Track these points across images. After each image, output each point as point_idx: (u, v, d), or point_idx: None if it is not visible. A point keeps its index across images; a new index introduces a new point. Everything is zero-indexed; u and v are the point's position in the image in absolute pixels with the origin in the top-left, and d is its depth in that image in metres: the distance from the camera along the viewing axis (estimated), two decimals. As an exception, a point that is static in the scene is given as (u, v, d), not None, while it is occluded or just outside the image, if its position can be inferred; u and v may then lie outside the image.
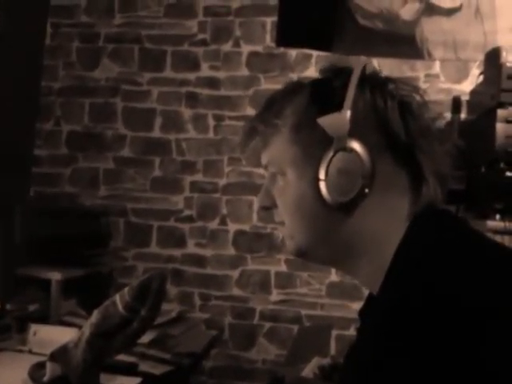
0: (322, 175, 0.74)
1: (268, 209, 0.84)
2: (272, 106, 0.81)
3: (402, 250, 0.71)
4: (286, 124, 0.78)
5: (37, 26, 2.79)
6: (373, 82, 0.76)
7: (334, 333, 2.54)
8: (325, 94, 0.76)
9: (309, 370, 1.66)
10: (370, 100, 0.75)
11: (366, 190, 0.73)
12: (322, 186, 0.74)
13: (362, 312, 0.80)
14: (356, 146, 0.73)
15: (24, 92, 2.69)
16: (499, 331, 0.60)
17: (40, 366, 1.29)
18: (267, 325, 2.65)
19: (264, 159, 0.83)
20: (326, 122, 0.74)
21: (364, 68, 0.77)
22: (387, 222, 0.74)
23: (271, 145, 0.81)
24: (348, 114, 0.73)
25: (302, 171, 0.77)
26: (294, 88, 0.81)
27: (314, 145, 0.75)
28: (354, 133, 0.73)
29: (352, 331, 2.48)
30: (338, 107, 0.74)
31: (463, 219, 0.79)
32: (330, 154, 0.74)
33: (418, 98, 0.77)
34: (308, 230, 0.78)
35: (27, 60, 2.70)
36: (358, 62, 0.77)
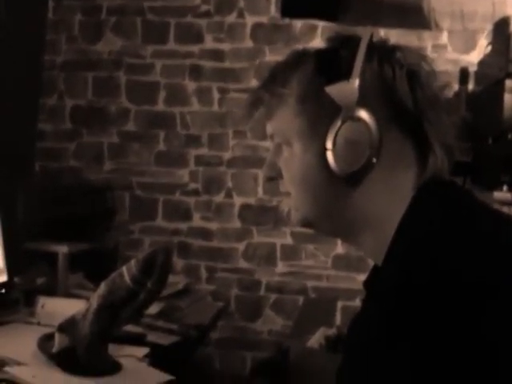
0: (329, 145, 0.73)
1: (273, 179, 0.83)
2: (277, 75, 0.80)
3: (405, 221, 0.70)
4: (291, 94, 0.77)
5: (38, 0, 2.76)
6: (380, 51, 0.75)
7: (340, 304, 2.56)
8: (332, 63, 0.75)
9: (314, 340, 1.68)
10: (378, 69, 0.74)
11: (374, 160, 0.72)
12: (329, 155, 0.73)
13: (366, 283, 0.80)
14: (364, 115, 0.72)
15: (26, 67, 2.67)
16: (500, 306, 0.60)
17: (48, 338, 1.30)
18: (273, 296, 2.66)
19: (269, 129, 0.82)
20: (335, 90, 0.73)
21: (371, 37, 0.75)
22: (393, 193, 0.73)
23: (276, 115, 0.79)
24: (357, 82, 0.72)
25: (308, 141, 0.76)
26: (300, 57, 0.80)
27: (321, 114, 0.74)
28: (362, 102, 0.72)
29: (357, 302, 2.49)
30: (346, 76, 0.72)
31: (469, 191, 0.78)
32: (338, 123, 0.73)
33: (426, 66, 0.76)
34: (314, 200, 0.78)
35: (29, 34, 2.68)
36: (365, 31, 0.75)
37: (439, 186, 0.73)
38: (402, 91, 0.73)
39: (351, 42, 0.75)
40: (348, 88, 0.72)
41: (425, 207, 0.70)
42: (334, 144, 0.73)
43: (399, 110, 0.73)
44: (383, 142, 0.72)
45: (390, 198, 0.73)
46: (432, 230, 0.67)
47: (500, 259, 0.63)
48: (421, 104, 0.73)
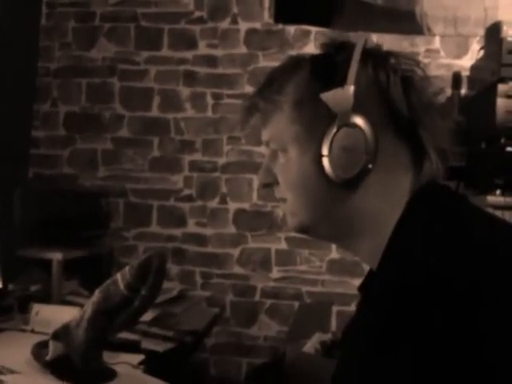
0: (325, 151, 0.74)
1: (268, 186, 0.84)
2: (272, 82, 0.80)
3: (400, 226, 0.71)
4: (287, 100, 0.78)
5: (32, 7, 2.76)
6: (375, 57, 0.76)
7: (335, 309, 2.56)
8: (327, 69, 0.75)
9: (310, 345, 1.68)
10: (373, 75, 0.74)
11: (370, 166, 0.73)
12: (325, 162, 0.74)
13: (361, 287, 0.80)
14: (359, 121, 0.72)
15: (20, 73, 2.66)
16: (493, 310, 0.60)
17: (43, 345, 1.30)
18: (268, 302, 2.66)
19: (265, 136, 0.82)
20: (330, 97, 0.73)
21: (366, 42, 0.76)
22: (389, 198, 0.74)
23: (272, 122, 0.80)
24: (351, 89, 0.72)
25: (304, 148, 0.76)
26: (295, 63, 0.80)
27: (317, 121, 0.75)
28: (357, 108, 0.72)
29: (353, 307, 2.49)
30: (341, 83, 0.73)
31: (463, 195, 0.78)
32: (333, 130, 0.73)
33: (419, 72, 0.76)
34: (310, 206, 0.78)
35: (23, 41, 2.67)
36: (359, 37, 0.76)
37: (434, 191, 0.74)
38: (396, 97, 0.74)
39: (346, 48, 0.76)
40: (343, 94, 0.73)
41: (420, 212, 0.71)
42: (330, 150, 0.73)
43: (394, 116, 0.74)
44: (379, 147, 0.73)
45: (385, 203, 0.74)
46: (427, 235, 0.67)
47: (493, 264, 0.64)
48: (415, 109, 0.74)
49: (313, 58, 0.79)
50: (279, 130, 0.79)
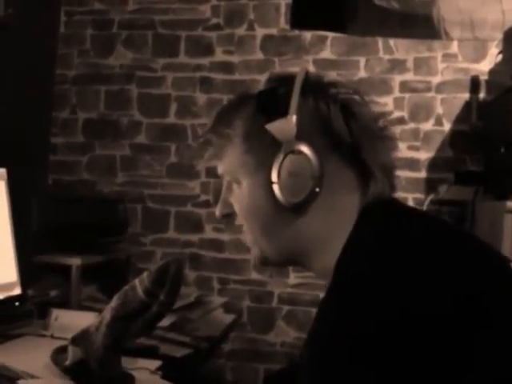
0: (273, 178, 0.78)
1: (227, 216, 0.89)
2: (222, 117, 0.86)
3: (347, 244, 0.74)
4: (236, 134, 0.83)
5: (50, 15, 2.80)
6: (315, 88, 0.81)
7: (352, 316, 2.54)
8: (271, 102, 0.81)
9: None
10: (314, 105, 0.79)
11: (317, 190, 0.77)
12: (275, 188, 0.78)
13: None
14: (304, 148, 0.77)
15: (39, 81, 2.70)
16: (423, 332, 0.62)
17: (62, 350, 1.31)
18: (285, 308, 2.65)
19: (220, 169, 0.87)
20: (274, 127, 0.78)
21: (306, 74, 0.81)
22: (338, 219, 0.78)
23: (225, 155, 0.85)
24: (294, 118, 0.77)
25: (254, 177, 0.81)
26: (242, 99, 0.86)
27: (265, 150, 0.79)
28: (301, 136, 0.77)
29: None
30: (284, 113, 0.78)
31: (411, 208, 0.83)
32: (280, 157, 0.77)
33: (358, 99, 0.82)
34: (266, 234, 0.82)
35: (41, 49, 2.71)
36: (300, 70, 0.82)
37: (378, 209, 0.77)
38: (337, 124, 0.78)
39: (288, 81, 0.81)
40: (286, 124, 0.77)
41: (363, 231, 0.74)
42: (279, 177, 0.77)
43: (336, 141, 0.78)
44: (324, 171, 0.77)
45: (334, 223, 0.78)
46: (367, 251, 0.70)
47: (440, 278, 0.65)
48: (355, 134, 0.79)
49: (258, 93, 0.84)
50: (231, 162, 0.84)
